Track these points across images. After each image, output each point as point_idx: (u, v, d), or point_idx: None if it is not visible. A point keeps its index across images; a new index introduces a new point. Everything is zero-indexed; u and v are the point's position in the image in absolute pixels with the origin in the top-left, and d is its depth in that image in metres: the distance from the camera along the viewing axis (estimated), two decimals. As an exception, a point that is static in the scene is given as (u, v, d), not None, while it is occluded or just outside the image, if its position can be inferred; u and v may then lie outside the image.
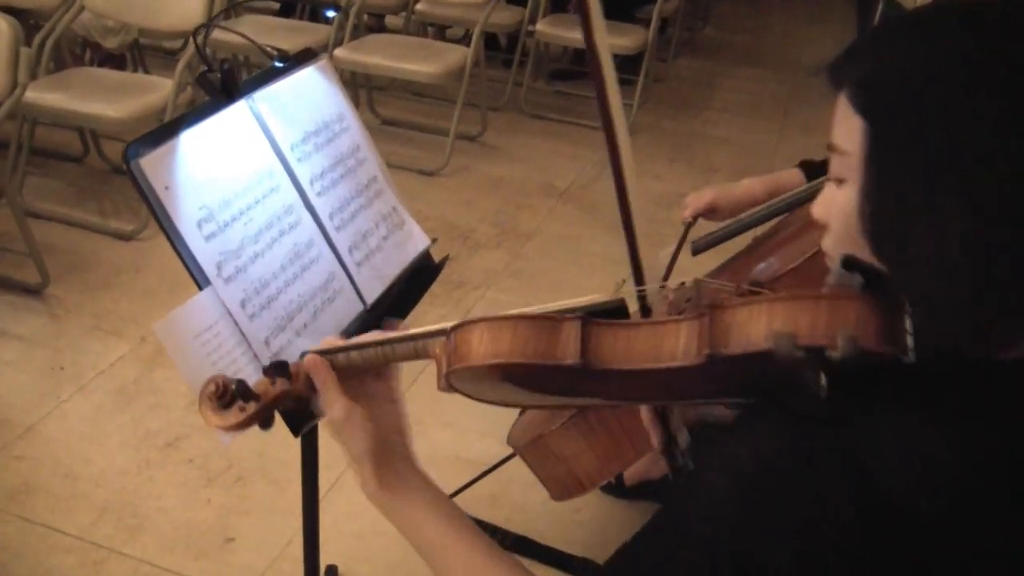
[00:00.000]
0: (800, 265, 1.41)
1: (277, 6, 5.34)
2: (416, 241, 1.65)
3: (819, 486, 0.78)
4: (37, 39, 3.45)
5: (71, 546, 2.12)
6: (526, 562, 2.14)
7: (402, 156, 4.15)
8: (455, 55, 4.17)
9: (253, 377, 1.27)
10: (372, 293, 1.52)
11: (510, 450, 1.84)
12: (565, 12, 4.97)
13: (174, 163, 1.28)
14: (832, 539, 0.78)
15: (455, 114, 4.20)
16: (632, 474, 2.22)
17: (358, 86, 4.60)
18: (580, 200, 4.01)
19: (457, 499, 2.13)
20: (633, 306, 1.05)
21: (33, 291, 3.02)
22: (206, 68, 1.40)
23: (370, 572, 2.07)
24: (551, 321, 0.89)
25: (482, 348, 0.91)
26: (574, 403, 1.39)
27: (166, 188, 1.26)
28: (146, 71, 4.53)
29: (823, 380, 0.77)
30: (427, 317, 3.03)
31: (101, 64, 4.20)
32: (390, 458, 1.02)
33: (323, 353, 1.04)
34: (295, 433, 1.29)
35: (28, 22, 3.56)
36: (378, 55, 4.08)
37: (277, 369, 1.05)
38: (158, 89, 3.39)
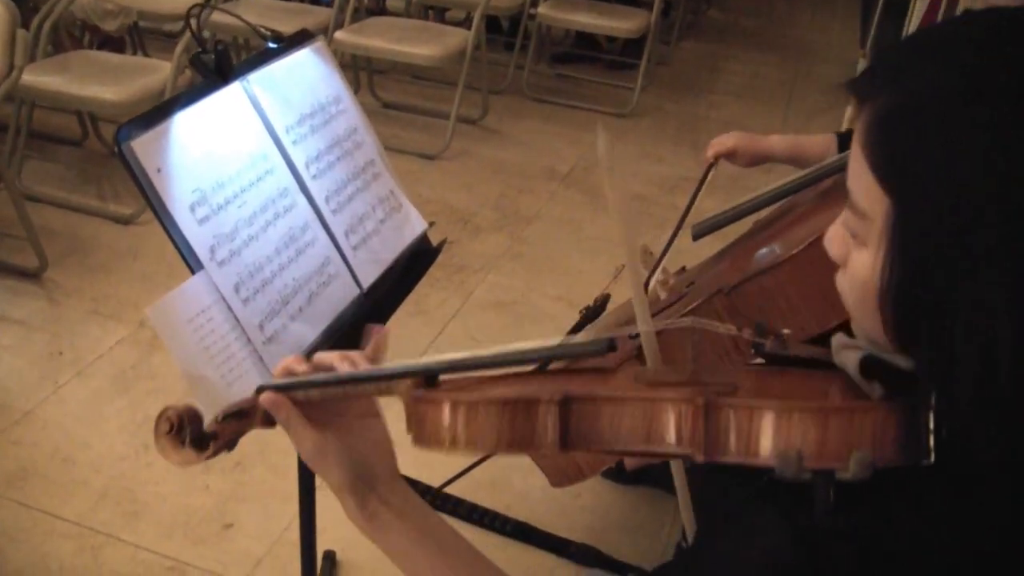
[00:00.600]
0: (800, 253, 1.39)
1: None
2: (414, 224, 1.63)
3: None
4: (35, 21, 3.43)
5: (69, 531, 2.11)
6: (526, 548, 2.15)
7: (403, 139, 4.12)
8: (456, 38, 4.14)
9: (251, 373, 1.25)
10: (368, 277, 1.50)
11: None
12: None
13: (167, 145, 1.27)
14: None
15: (456, 97, 4.17)
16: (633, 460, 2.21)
17: (359, 69, 4.57)
18: (582, 184, 3.99)
19: (457, 485, 2.16)
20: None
21: (31, 275, 3.01)
22: (200, 49, 1.38)
23: (367, 557, 2.06)
24: (526, 405, 0.79)
25: (450, 434, 0.82)
26: None
27: (158, 170, 1.24)
28: (145, 54, 4.50)
29: (831, 495, 0.69)
30: (428, 300, 3.03)
31: (100, 47, 4.17)
32: (373, 484, 0.93)
33: (281, 388, 0.93)
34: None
35: (26, 4, 3.53)
36: (379, 38, 4.05)
37: (235, 416, 0.97)
38: (157, 72, 3.36)
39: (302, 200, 1.43)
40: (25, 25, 2.86)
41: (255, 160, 1.38)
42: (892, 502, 0.71)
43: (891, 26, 4.25)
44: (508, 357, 0.87)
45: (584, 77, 5.17)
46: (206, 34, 3.69)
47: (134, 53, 4.47)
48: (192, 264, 1.24)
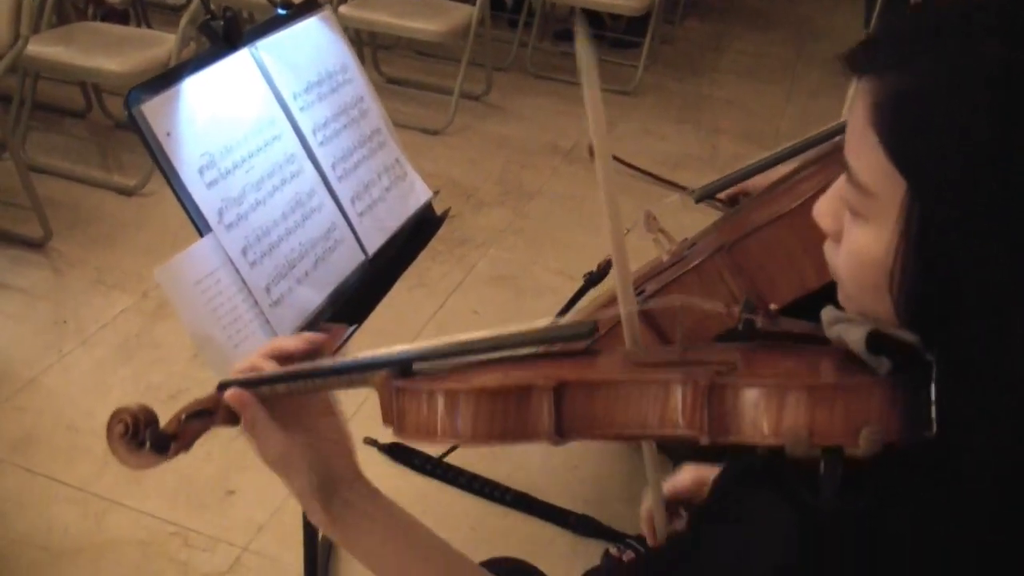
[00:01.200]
0: (801, 206, 1.39)
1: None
2: (418, 194, 1.65)
3: None
4: (39, -8, 3.43)
5: (73, 497, 2.13)
6: (526, 518, 2.16)
7: (406, 115, 4.12)
8: (460, 13, 4.13)
9: (258, 334, 1.26)
10: (374, 244, 1.52)
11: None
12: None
13: (176, 110, 1.28)
14: None
15: (460, 73, 4.17)
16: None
17: (363, 44, 4.57)
18: (584, 160, 3.99)
19: (456, 455, 2.17)
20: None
21: (36, 245, 3.02)
22: (209, 16, 1.39)
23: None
24: (519, 393, 0.77)
25: (439, 425, 0.78)
26: None
27: (168, 134, 1.25)
28: (149, 26, 4.50)
29: (839, 474, 0.69)
30: (430, 273, 3.05)
31: (104, 19, 4.17)
32: (337, 486, 0.89)
33: (247, 384, 0.89)
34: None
35: (31, -25, 3.53)
36: (383, 12, 4.05)
37: (197, 416, 0.91)
38: (161, 44, 3.36)
39: (309, 166, 1.44)
40: (30, -5, 2.86)
41: (263, 126, 1.39)
42: (896, 485, 0.70)
43: (897, 5, 4.25)
44: (487, 344, 0.84)
45: (588, 55, 5.15)
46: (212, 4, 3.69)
47: (138, 25, 4.47)
48: (200, 227, 1.26)
